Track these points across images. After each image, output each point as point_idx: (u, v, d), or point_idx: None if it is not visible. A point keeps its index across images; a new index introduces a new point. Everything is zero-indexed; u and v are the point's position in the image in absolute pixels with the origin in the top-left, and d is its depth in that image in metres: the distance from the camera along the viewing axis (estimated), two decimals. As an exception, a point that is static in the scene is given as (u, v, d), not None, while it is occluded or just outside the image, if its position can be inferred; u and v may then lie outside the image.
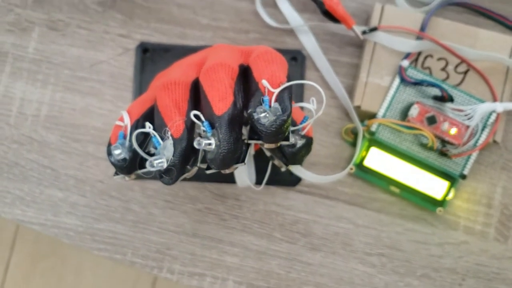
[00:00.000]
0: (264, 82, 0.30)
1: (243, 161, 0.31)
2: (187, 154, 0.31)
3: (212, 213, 0.50)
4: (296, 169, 0.47)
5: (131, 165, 0.33)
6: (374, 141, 0.48)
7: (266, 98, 0.30)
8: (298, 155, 0.33)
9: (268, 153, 0.35)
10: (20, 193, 0.50)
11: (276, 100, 0.30)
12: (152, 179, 0.50)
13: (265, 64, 0.33)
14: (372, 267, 0.50)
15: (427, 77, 0.48)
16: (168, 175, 0.31)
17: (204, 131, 0.30)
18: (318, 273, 0.49)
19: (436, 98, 0.47)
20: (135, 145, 0.31)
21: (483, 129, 0.47)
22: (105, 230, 0.49)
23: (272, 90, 0.30)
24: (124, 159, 0.33)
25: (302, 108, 0.48)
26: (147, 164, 0.30)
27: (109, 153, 0.33)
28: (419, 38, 0.48)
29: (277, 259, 0.50)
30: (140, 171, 0.34)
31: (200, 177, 0.50)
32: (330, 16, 0.49)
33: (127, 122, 0.33)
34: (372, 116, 0.48)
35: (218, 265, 0.49)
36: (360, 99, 0.48)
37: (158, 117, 0.33)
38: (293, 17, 0.51)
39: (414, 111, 0.46)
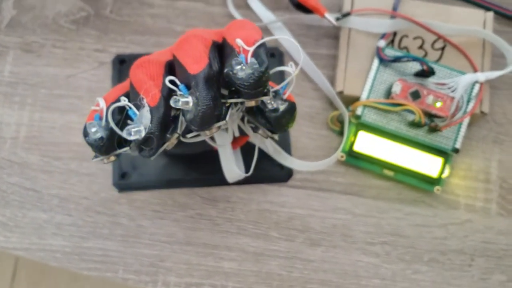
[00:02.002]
0: (238, 41, 0.30)
1: (224, 118, 0.30)
2: (165, 122, 0.30)
3: (204, 218, 0.48)
4: (285, 159, 0.46)
5: (109, 145, 0.32)
6: (361, 124, 0.47)
7: (241, 56, 0.29)
8: (282, 120, 0.32)
9: (251, 121, 0.34)
10: (2, 218, 0.47)
11: (252, 56, 0.30)
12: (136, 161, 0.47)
13: (238, 28, 0.32)
14: (376, 257, 0.47)
15: (405, 54, 0.48)
16: (147, 145, 0.30)
17: (180, 94, 0.29)
18: (321, 269, 0.47)
19: (418, 74, 0.46)
20: (110, 120, 0.30)
21: (468, 102, 0.47)
22: (93, 248, 0.47)
23: (247, 48, 0.30)
24: (101, 138, 0.31)
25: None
26: (124, 132, 0.29)
27: (85, 134, 0.32)
28: (392, 18, 0.48)
29: (276, 259, 0.47)
30: (118, 151, 0.32)
31: (188, 182, 0.48)
32: (302, 8, 0.50)
33: (103, 105, 0.32)
34: (356, 100, 0.48)
35: (216, 272, 0.47)
36: (341, 85, 0.48)
37: (133, 92, 0.32)
38: (266, 15, 0.51)
39: (396, 88, 0.46)
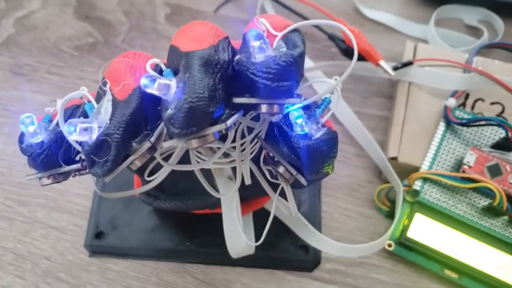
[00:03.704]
0: (263, 21, 0.20)
1: (224, 122, 0.19)
2: (133, 124, 0.20)
3: (195, 308, 0.35)
4: (312, 236, 0.34)
5: (51, 155, 0.21)
6: (419, 204, 0.36)
7: (266, 41, 0.19)
8: (315, 153, 0.21)
9: (267, 149, 0.23)
10: None
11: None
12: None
13: (264, 17, 0.22)
14: None
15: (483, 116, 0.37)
16: (100, 154, 0.19)
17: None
18: None
19: (498, 145, 0.35)
20: (59, 116, 0.20)
21: None
22: (42, 329, 0.35)
23: (274, 32, 0.20)
24: (40, 144, 0.21)
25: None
26: (65, 127, 0.19)
27: (21, 139, 0.22)
28: (466, 72, 0.38)
29: None
30: (64, 167, 0.22)
31: (180, 254, 0.37)
32: (351, 54, 0.40)
33: (59, 106, 0.22)
34: (414, 171, 0.36)
35: None
36: (396, 150, 0.37)
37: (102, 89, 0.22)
38: (306, 63, 0.42)
39: (470, 159, 0.34)
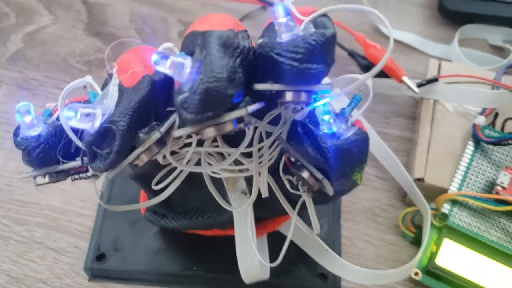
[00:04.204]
0: (288, 4, 0.18)
1: (244, 107, 0.17)
2: (142, 113, 0.18)
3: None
4: (332, 262, 0.31)
5: (47, 151, 0.19)
6: (447, 229, 0.33)
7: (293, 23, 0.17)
8: (344, 156, 0.19)
9: (289, 151, 0.20)
10: None
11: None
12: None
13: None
14: None
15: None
16: (103, 145, 0.17)
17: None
18: None
19: (533, 165, 0.33)
20: (59, 105, 0.18)
21: None
22: None
23: (301, 17, 0.18)
24: (37, 136, 0.19)
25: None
26: (64, 111, 0.17)
27: (16, 131, 0.20)
28: (495, 89, 0.36)
29: None
30: (63, 164, 0.19)
31: (188, 280, 0.34)
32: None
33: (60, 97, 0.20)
34: (441, 193, 0.33)
35: None
36: (422, 170, 0.34)
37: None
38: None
39: (504, 179, 0.32)
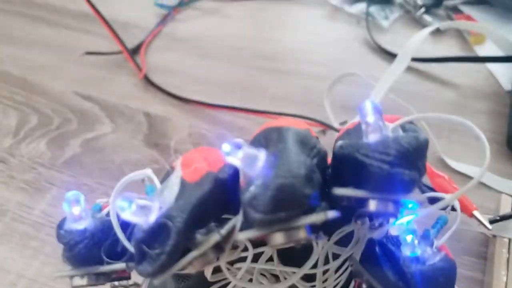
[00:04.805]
0: (376, 101, 0.17)
1: (322, 211, 0.14)
2: (202, 211, 0.15)
3: None
4: None
5: (91, 248, 0.17)
6: None
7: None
8: (431, 282, 0.16)
9: (362, 276, 0.17)
10: None
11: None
12: None
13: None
14: None
15: None
16: (155, 244, 0.15)
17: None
18: None
19: None
20: (110, 203, 0.16)
21: None
22: None
23: (387, 124, 0.16)
24: (82, 231, 0.17)
25: None
26: (118, 202, 0.15)
27: (61, 224, 0.18)
28: None
29: None
30: (106, 265, 0.17)
31: None
32: (435, 199, 0.36)
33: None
34: None
35: None
36: (499, 319, 0.30)
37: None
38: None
39: None
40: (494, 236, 0.34)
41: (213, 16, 0.59)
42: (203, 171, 0.17)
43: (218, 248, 0.16)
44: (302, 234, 0.14)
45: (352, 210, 0.17)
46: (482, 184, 0.41)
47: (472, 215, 0.34)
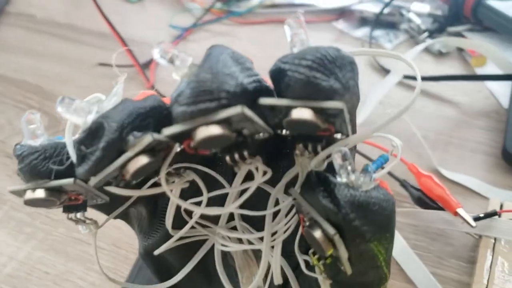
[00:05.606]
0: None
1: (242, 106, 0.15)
2: (140, 119, 0.16)
3: None
4: None
5: (41, 163, 0.18)
6: None
7: None
8: (362, 209, 0.16)
9: (301, 205, 0.17)
10: None
11: None
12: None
13: None
14: None
15: None
16: (92, 143, 0.16)
17: None
18: None
19: None
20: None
21: None
22: None
23: None
24: (36, 146, 0.18)
25: None
26: (59, 100, 0.16)
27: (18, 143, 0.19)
28: None
29: None
30: (54, 180, 0.18)
31: None
32: (424, 202, 0.36)
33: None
34: None
35: None
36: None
37: None
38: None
39: None
40: (480, 236, 0.34)
41: (223, 37, 0.61)
42: (150, 94, 0.18)
43: (152, 153, 0.16)
44: (222, 129, 0.15)
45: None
46: (479, 195, 0.41)
47: (456, 213, 0.33)
